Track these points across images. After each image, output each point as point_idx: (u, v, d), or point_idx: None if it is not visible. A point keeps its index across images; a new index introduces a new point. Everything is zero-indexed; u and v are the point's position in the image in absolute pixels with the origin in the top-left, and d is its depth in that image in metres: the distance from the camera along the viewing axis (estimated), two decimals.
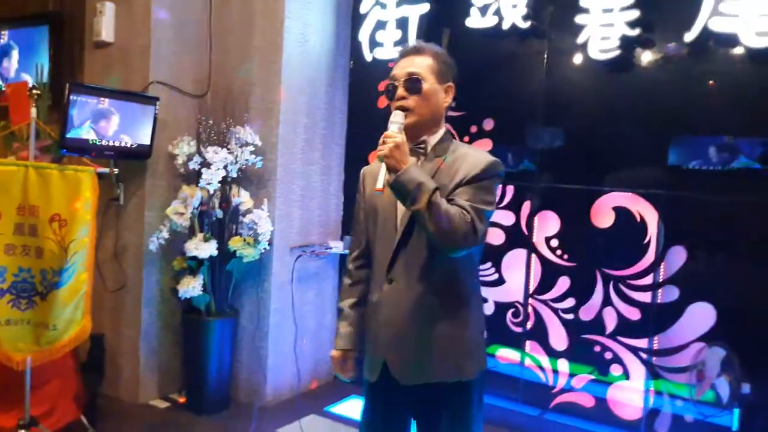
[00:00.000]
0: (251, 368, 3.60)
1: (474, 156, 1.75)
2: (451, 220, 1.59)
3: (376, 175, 1.70)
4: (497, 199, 1.78)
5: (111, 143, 3.19)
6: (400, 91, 1.73)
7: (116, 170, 3.20)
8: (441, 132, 1.81)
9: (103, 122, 3.14)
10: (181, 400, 3.56)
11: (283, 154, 3.53)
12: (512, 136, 3.46)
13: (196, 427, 3.26)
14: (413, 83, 1.72)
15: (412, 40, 3.59)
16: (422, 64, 1.75)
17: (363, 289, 1.93)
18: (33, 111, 3.01)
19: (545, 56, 3.28)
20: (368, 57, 3.83)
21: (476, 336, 1.80)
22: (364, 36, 3.83)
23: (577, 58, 3.17)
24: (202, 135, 3.44)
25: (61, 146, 3.05)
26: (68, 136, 3.01)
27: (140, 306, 3.45)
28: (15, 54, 4.72)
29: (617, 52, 2.99)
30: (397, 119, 1.67)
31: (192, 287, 3.25)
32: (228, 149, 3.33)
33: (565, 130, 3.29)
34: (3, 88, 4.56)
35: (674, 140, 2.96)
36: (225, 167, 3.28)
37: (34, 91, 3.03)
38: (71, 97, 3.00)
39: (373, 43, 3.80)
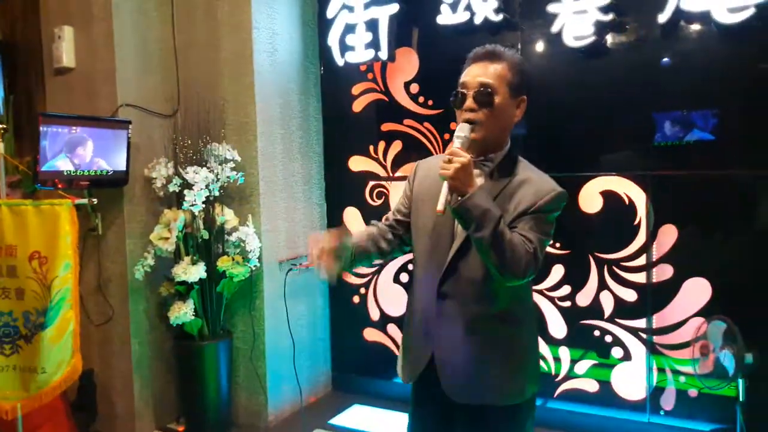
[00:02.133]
0: (250, 389, 3.52)
1: (540, 184, 1.66)
2: (514, 251, 1.52)
3: (432, 172, 1.65)
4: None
5: (87, 172, 3.06)
6: (469, 102, 1.63)
7: (95, 201, 3.07)
8: (507, 148, 1.72)
9: (79, 150, 3.01)
10: (180, 429, 3.45)
11: (263, 168, 3.45)
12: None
13: None
14: (485, 96, 1.62)
15: (384, 41, 3.55)
16: (496, 74, 1.64)
17: (382, 239, 1.85)
18: (0, 146, 2.88)
19: (519, 48, 3.27)
20: (339, 62, 3.77)
21: (531, 358, 1.77)
22: (333, 41, 3.77)
23: (553, 47, 3.18)
24: (178, 155, 3.33)
25: (35, 181, 2.91)
26: (43, 169, 2.87)
27: (129, 337, 3.32)
28: None
29: (593, 38, 3.01)
30: (462, 133, 1.59)
31: (183, 313, 3.15)
32: (208, 168, 3.23)
33: (545, 120, 3.29)
34: None
35: (656, 120, 2.99)
36: (207, 186, 3.19)
37: (0, 126, 2.89)
38: (42, 128, 2.86)
39: (344, 47, 3.74)
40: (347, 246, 1.73)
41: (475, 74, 1.65)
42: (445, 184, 1.53)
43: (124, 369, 3.38)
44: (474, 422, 1.73)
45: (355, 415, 3.64)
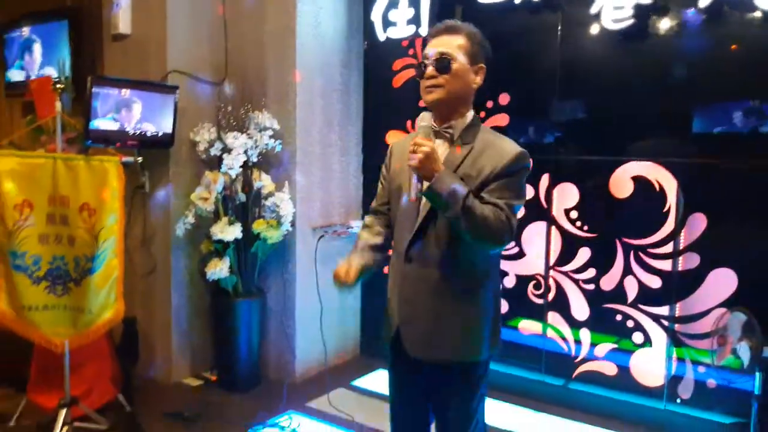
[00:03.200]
0: (279, 346, 3.71)
1: (501, 147, 1.75)
2: (486, 221, 1.64)
3: (404, 151, 1.75)
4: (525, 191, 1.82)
5: (134, 133, 3.27)
6: (430, 70, 1.75)
7: (140, 159, 3.29)
8: (469, 116, 1.82)
9: (125, 112, 3.22)
10: (213, 378, 3.69)
11: (301, 138, 3.58)
12: (528, 109, 3.46)
13: (228, 403, 3.38)
14: (444, 63, 1.73)
15: (425, 18, 3.60)
16: (454, 44, 1.76)
17: (382, 234, 1.98)
18: (58, 105, 3.11)
19: (559, 29, 3.26)
20: (381, 37, 3.85)
21: (488, 319, 1.85)
22: (376, 16, 3.84)
23: (592, 29, 3.15)
24: (221, 121, 3.51)
25: (85, 138, 3.15)
26: (92, 127, 3.10)
27: (170, 289, 3.57)
28: (37, 49, 4.83)
29: (631, 21, 2.97)
30: (424, 122, 1.69)
31: (219, 269, 3.35)
32: (247, 134, 3.40)
33: (581, 102, 3.28)
34: (28, 84, 4.68)
35: (692, 107, 2.95)
36: (245, 152, 3.35)
37: (58, 86, 3.13)
38: (93, 89, 3.09)
39: (387, 23, 3.81)
40: (365, 271, 1.89)
41: (435, 45, 1.78)
42: (414, 175, 1.64)
43: (164, 319, 3.63)
44: (434, 378, 1.87)
45: (378, 378, 3.78)
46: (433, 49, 1.77)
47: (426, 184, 1.63)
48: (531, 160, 1.78)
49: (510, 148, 1.75)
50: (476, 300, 1.82)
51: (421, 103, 1.81)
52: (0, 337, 3.62)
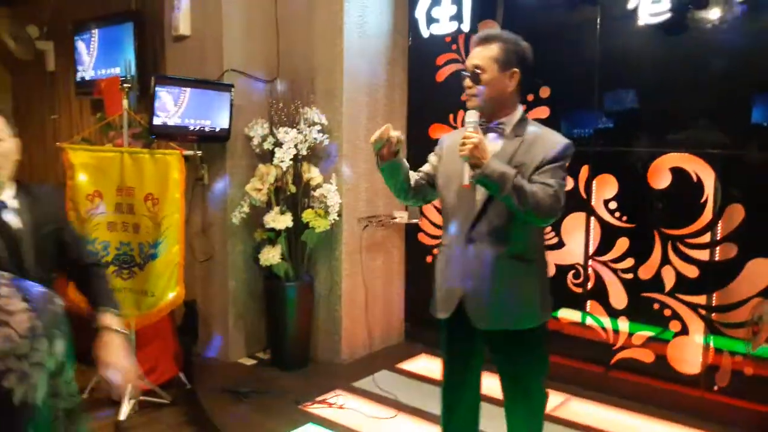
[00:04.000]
0: (327, 329, 3.92)
1: (550, 138, 2.01)
2: (535, 196, 1.87)
3: (454, 143, 2.01)
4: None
5: (194, 128, 3.52)
6: (467, 82, 2.02)
7: (200, 153, 3.54)
8: (518, 114, 2.05)
9: (188, 109, 3.47)
10: (266, 357, 3.93)
11: (347, 132, 3.76)
12: (568, 102, 3.54)
13: (280, 381, 3.61)
14: (475, 75, 1.99)
15: (467, 15, 3.72)
16: (487, 55, 1.98)
17: (411, 177, 2.19)
18: (125, 102, 3.40)
19: (598, 22, 3.33)
20: (425, 33, 3.98)
21: (541, 292, 2.09)
22: (420, 13, 3.98)
23: (630, 23, 3.20)
24: (273, 117, 3.73)
25: (150, 133, 3.42)
26: (156, 123, 3.36)
27: (227, 274, 3.83)
28: (104, 50, 5.17)
29: (668, 15, 3.01)
30: (471, 119, 1.94)
31: (272, 256, 3.58)
32: (297, 129, 3.60)
33: (620, 95, 3.34)
34: (98, 83, 5.03)
35: (730, 99, 2.97)
36: (295, 146, 3.56)
37: (125, 85, 3.41)
38: (156, 88, 3.34)
39: (430, 20, 3.94)
40: (398, 161, 2.10)
41: (472, 57, 2.03)
42: (466, 164, 1.88)
43: (221, 302, 3.89)
44: (497, 344, 2.10)
45: (421, 362, 3.94)
46: (469, 62, 2.02)
47: (477, 170, 1.87)
48: (573, 150, 2.02)
49: (558, 138, 2.01)
50: (530, 273, 2.07)
51: (463, 97, 2.02)
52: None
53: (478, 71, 1.98)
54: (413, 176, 2.21)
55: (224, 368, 3.82)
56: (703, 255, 3.11)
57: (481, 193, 2.01)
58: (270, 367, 3.83)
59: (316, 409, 3.22)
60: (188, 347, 3.93)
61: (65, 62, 5.80)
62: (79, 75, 5.45)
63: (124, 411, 3.31)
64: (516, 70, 2.00)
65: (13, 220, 1.78)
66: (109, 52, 5.10)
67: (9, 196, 1.80)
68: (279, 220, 3.57)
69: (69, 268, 1.97)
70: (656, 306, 3.28)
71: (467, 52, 3.83)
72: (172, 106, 3.40)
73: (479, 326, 2.05)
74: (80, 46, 5.35)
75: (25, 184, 1.89)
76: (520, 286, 2.04)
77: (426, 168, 2.25)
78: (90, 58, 5.33)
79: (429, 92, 4.10)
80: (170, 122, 3.41)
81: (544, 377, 2.15)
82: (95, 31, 5.18)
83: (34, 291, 1.02)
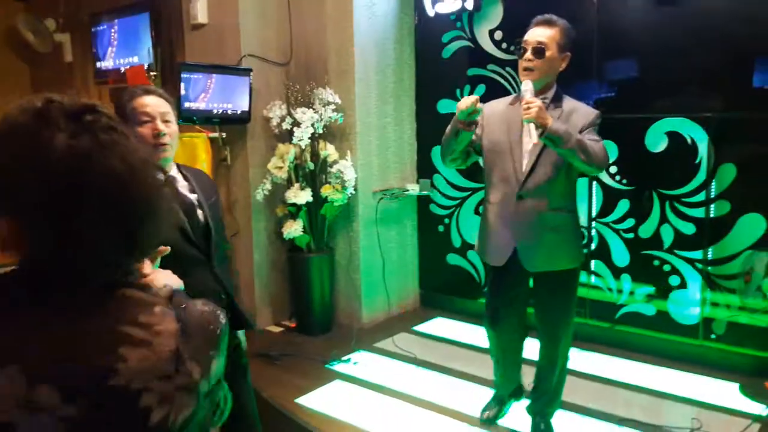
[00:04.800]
0: (348, 296, 4.17)
1: (585, 109, 2.44)
2: (593, 148, 2.26)
3: (497, 111, 2.47)
4: None
5: (217, 112, 3.75)
6: (528, 54, 2.31)
7: (224, 135, 3.77)
8: (554, 89, 2.42)
9: (211, 93, 3.69)
10: (292, 325, 4.20)
11: (360, 110, 3.97)
12: (569, 71, 3.69)
13: (306, 344, 3.88)
14: (539, 51, 2.31)
15: None
16: (550, 35, 2.32)
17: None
18: None
19: None
20: (431, 12, 4.16)
21: (579, 237, 2.56)
22: None
23: None
24: (290, 98, 3.94)
25: (178, 117, 3.64)
26: (183, 108, 3.58)
27: (252, 248, 4.08)
28: (122, 39, 5.37)
29: None
30: (528, 87, 2.25)
31: (294, 229, 3.83)
32: (313, 109, 3.82)
33: (618, 63, 3.53)
34: (118, 71, 5.25)
35: (722, 64, 3.16)
36: (312, 125, 3.78)
37: (152, 73, 3.63)
38: (182, 74, 3.57)
39: None
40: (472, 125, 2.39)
41: (535, 35, 2.34)
42: (531, 124, 2.16)
43: (247, 274, 4.15)
44: (545, 284, 2.53)
45: (437, 324, 4.20)
46: (532, 37, 2.32)
47: (539, 130, 2.17)
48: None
49: (590, 109, 2.45)
50: (570, 222, 2.48)
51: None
52: None
53: (543, 47, 2.29)
54: None
55: (254, 336, 4.08)
56: (698, 213, 3.33)
57: (525, 158, 2.39)
58: (296, 333, 4.10)
59: (341, 367, 3.48)
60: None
61: (82, 53, 6.01)
62: (96, 65, 5.67)
63: None
64: (568, 54, 2.39)
65: (187, 192, 1.96)
66: (126, 42, 5.30)
67: (175, 172, 1.98)
68: (299, 195, 3.81)
69: None
70: (656, 262, 3.50)
71: (471, 30, 4.05)
72: (197, 91, 3.62)
73: (531, 269, 2.46)
74: (97, 36, 5.56)
75: (179, 165, 2.06)
76: (563, 233, 2.43)
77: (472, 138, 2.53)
78: (107, 48, 5.54)
79: (436, 69, 4.29)
80: (196, 106, 3.64)
81: (574, 309, 2.60)
82: (112, 21, 5.38)
83: (194, 311, 0.93)
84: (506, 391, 2.87)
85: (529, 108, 2.16)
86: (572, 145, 2.21)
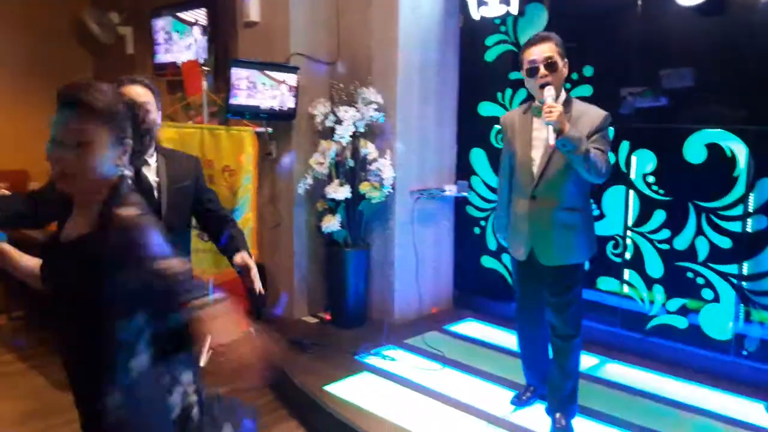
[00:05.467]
0: (381, 292, 4.28)
1: (593, 112, 2.57)
2: (597, 158, 2.42)
3: (515, 121, 2.72)
4: None
5: (264, 107, 3.91)
6: (542, 71, 2.51)
7: (270, 130, 3.93)
8: (564, 95, 2.60)
9: (259, 89, 3.85)
10: (327, 317, 4.34)
11: (401, 110, 4.07)
12: (610, 81, 3.72)
13: (338, 336, 4.01)
14: (551, 64, 2.51)
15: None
16: (554, 50, 2.53)
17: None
18: (204, 84, 3.81)
19: (638, 4, 3.50)
20: (476, 16, 4.22)
21: (589, 234, 2.72)
22: None
23: (669, 5, 3.36)
24: (334, 97, 4.08)
25: (227, 112, 3.82)
26: (232, 103, 3.76)
27: (292, 240, 4.24)
28: (179, 33, 5.61)
29: None
30: (551, 92, 2.43)
31: (332, 224, 3.96)
32: (356, 108, 3.94)
33: (658, 74, 3.51)
34: (175, 65, 5.49)
35: (762, 77, 3.12)
36: (354, 123, 3.90)
37: (204, 68, 3.82)
38: (232, 70, 3.73)
39: (480, 2, 4.16)
40: None
41: (540, 52, 2.54)
42: (550, 126, 2.32)
43: (287, 265, 4.31)
44: (556, 276, 2.69)
45: (468, 326, 4.27)
46: (539, 55, 2.52)
47: (561, 134, 2.32)
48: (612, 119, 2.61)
49: (599, 112, 2.58)
50: (579, 221, 2.65)
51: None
52: None
53: (554, 61, 2.51)
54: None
55: (289, 325, 4.25)
56: (735, 226, 3.29)
57: (536, 162, 2.61)
58: (330, 325, 4.23)
59: (370, 360, 3.59)
60: (258, 306, 4.38)
61: (143, 45, 6.30)
62: (155, 58, 5.94)
63: (203, 359, 3.78)
64: (566, 60, 2.57)
65: (150, 175, 2.22)
66: (184, 37, 5.54)
67: (151, 156, 2.24)
68: (339, 191, 3.94)
69: (206, 219, 2.47)
70: (690, 275, 3.48)
71: (515, 34, 4.10)
72: (246, 87, 3.79)
73: (544, 263, 2.66)
74: (157, 30, 5.82)
75: (163, 148, 2.36)
76: (574, 231, 2.62)
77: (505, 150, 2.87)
78: (165, 41, 5.79)
79: (478, 71, 4.35)
80: (245, 102, 3.80)
81: (581, 302, 2.77)
82: (171, 16, 5.62)
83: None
84: (533, 381, 3.05)
85: (551, 112, 2.32)
86: (581, 152, 2.37)
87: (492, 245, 4.41)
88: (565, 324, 2.72)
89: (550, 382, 2.84)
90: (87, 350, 1.44)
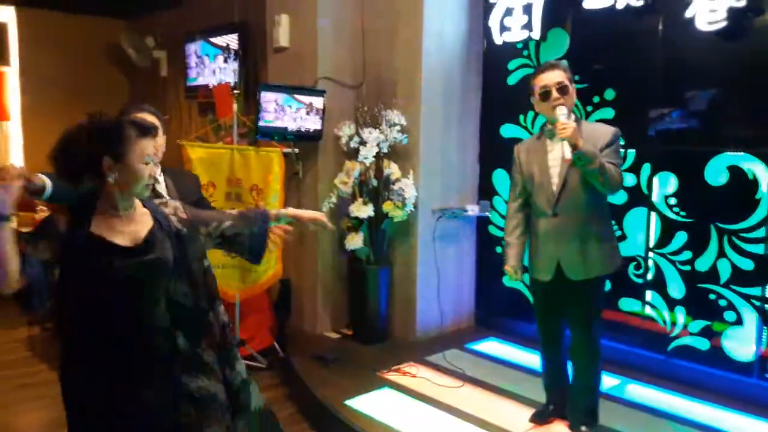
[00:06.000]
0: (403, 310, 4.34)
1: (603, 129, 2.72)
2: (611, 172, 2.55)
3: (530, 149, 2.84)
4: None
5: (292, 129, 4.04)
6: (555, 95, 2.65)
7: (296, 150, 4.06)
8: (573, 116, 2.70)
9: (287, 112, 3.99)
10: (349, 332, 4.41)
11: (424, 132, 4.17)
12: (632, 104, 3.78)
13: (360, 352, 4.07)
14: (563, 89, 2.66)
15: (536, 23, 4.04)
16: (563, 76, 2.68)
17: (523, 226, 2.92)
18: (234, 106, 3.96)
19: (659, 30, 3.56)
20: (498, 40, 4.32)
21: (611, 246, 2.80)
22: (494, 22, 4.32)
23: (689, 30, 3.41)
24: (359, 118, 4.20)
25: (256, 133, 3.97)
26: (261, 125, 3.90)
27: (316, 257, 4.34)
28: (210, 58, 5.82)
29: (724, 23, 3.22)
30: (564, 111, 2.58)
31: (355, 241, 4.05)
32: (380, 129, 4.05)
33: (680, 97, 3.56)
34: (206, 89, 5.70)
35: None
36: (378, 144, 4.01)
37: (235, 91, 3.97)
38: (261, 94, 3.88)
39: (503, 28, 4.28)
40: (520, 266, 3.01)
41: (552, 78, 2.69)
42: (565, 142, 2.47)
43: (311, 282, 4.41)
44: (579, 291, 2.76)
45: (489, 345, 4.29)
46: (550, 80, 2.67)
47: (576, 149, 2.46)
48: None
49: (609, 128, 2.73)
50: (602, 234, 2.75)
51: (553, 104, 2.65)
52: None
53: (566, 85, 2.66)
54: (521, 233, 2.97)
55: (313, 340, 4.33)
56: (757, 249, 3.30)
57: (555, 180, 2.72)
58: (352, 341, 4.30)
59: (391, 376, 3.65)
60: (282, 320, 4.49)
61: (176, 69, 6.55)
62: (188, 81, 6.16)
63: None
64: (574, 86, 2.72)
65: (164, 191, 2.50)
66: (215, 61, 5.75)
67: (158, 174, 2.47)
68: (362, 210, 4.04)
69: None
70: (712, 296, 3.48)
71: (538, 58, 4.19)
72: (274, 110, 3.93)
73: (574, 278, 2.73)
74: (190, 54, 6.05)
75: (166, 167, 2.59)
76: (597, 241, 2.72)
77: (517, 181, 2.94)
78: (198, 65, 6.01)
79: (501, 95, 4.44)
80: (273, 124, 3.94)
81: (600, 318, 2.85)
82: (204, 41, 5.85)
83: None
84: (554, 399, 3.07)
85: (565, 128, 2.47)
86: (596, 166, 2.50)
87: None
88: (589, 342, 2.79)
89: (573, 400, 2.89)
90: None
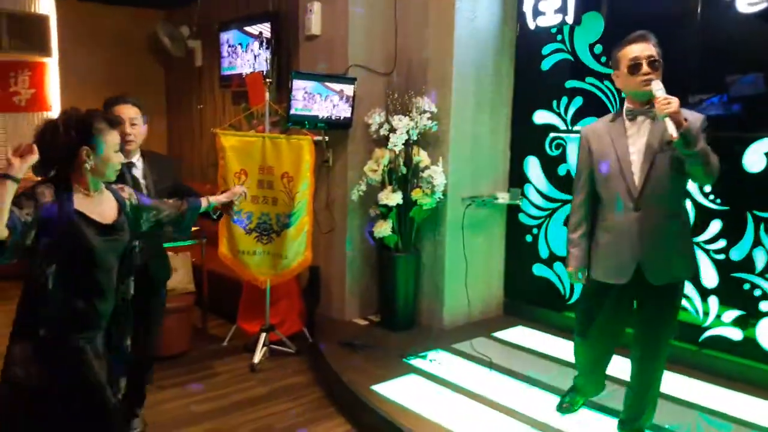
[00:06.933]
0: (431, 297, 4.35)
1: (690, 114, 2.38)
2: (714, 159, 2.32)
3: (599, 132, 2.55)
4: None
5: (322, 117, 4.07)
6: (645, 68, 2.39)
7: (327, 138, 4.10)
8: None
9: (318, 100, 4.02)
10: (376, 319, 4.45)
11: (455, 119, 4.15)
12: (669, 89, 3.66)
13: (388, 338, 4.10)
14: (655, 63, 2.40)
15: (571, 7, 3.96)
16: (655, 49, 2.42)
17: (589, 222, 2.66)
18: (267, 94, 4.01)
19: (698, 12, 3.47)
20: (531, 25, 4.26)
21: (693, 245, 2.62)
22: (527, 6, 4.26)
23: (729, 13, 3.32)
24: (389, 106, 4.20)
25: (287, 121, 4.01)
26: (292, 113, 3.94)
27: (345, 244, 4.37)
28: (244, 46, 5.89)
29: (765, 5, 3.12)
30: (659, 86, 2.30)
31: (384, 229, 4.07)
32: (409, 117, 4.05)
33: (719, 82, 3.47)
34: (240, 77, 5.77)
35: None
36: (407, 132, 4.01)
37: (267, 79, 4.01)
38: (293, 82, 3.92)
39: (536, 13, 4.21)
40: (583, 267, 2.74)
41: (643, 50, 2.42)
42: (668, 120, 2.19)
43: (340, 268, 4.45)
44: (659, 295, 2.51)
45: (517, 333, 4.28)
46: (642, 53, 2.40)
47: (681, 127, 2.19)
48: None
49: (697, 114, 2.44)
50: (686, 230, 2.56)
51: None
52: (215, 280, 4.70)
53: (657, 60, 2.41)
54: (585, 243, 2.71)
55: (341, 326, 4.38)
56: None
57: (637, 170, 2.44)
58: (380, 328, 4.33)
59: (418, 363, 3.67)
60: (311, 307, 4.55)
61: (210, 58, 6.65)
62: (221, 70, 6.25)
63: (258, 356, 3.97)
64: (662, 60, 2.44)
65: (139, 175, 2.77)
66: (249, 50, 5.82)
67: (137, 159, 2.79)
68: (391, 197, 4.05)
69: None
70: (747, 286, 3.40)
71: (572, 43, 4.12)
72: (305, 97, 3.97)
73: (656, 282, 2.46)
74: (224, 43, 6.13)
75: (148, 152, 2.88)
76: (682, 240, 2.51)
77: (584, 180, 2.67)
78: (231, 54, 6.09)
79: (534, 80, 4.39)
80: (304, 112, 3.98)
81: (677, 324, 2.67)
82: (237, 30, 5.92)
83: None
84: (588, 395, 3.03)
85: (669, 103, 2.21)
86: (700, 147, 2.24)
87: (544, 253, 4.42)
88: (659, 351, 2.60)
89: (633, 406, 2.72)
90: None
